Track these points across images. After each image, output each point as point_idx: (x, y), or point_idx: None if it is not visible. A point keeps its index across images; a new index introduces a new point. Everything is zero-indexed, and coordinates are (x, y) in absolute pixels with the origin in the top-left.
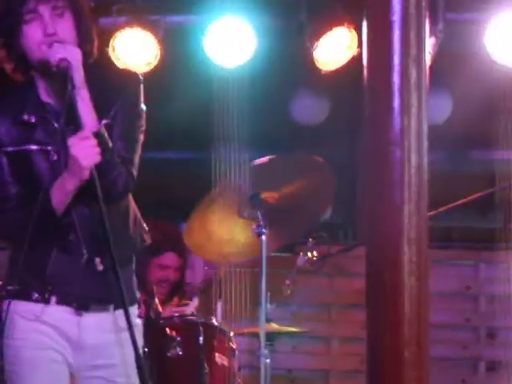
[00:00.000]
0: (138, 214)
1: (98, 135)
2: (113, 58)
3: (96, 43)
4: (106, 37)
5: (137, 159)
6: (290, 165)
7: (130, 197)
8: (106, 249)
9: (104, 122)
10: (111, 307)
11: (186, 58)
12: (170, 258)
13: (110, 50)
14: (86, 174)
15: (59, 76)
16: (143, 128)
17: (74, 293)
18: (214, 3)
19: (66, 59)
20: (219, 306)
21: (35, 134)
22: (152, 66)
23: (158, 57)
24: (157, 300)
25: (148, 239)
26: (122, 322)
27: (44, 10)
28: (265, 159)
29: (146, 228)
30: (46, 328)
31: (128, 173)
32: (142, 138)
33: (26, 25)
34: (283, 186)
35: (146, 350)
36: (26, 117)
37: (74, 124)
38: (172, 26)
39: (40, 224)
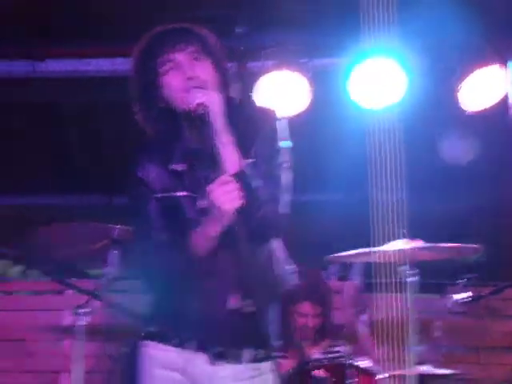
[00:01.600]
0: (284, 254)
1: (239, 177)
2: (259, 101)
3: (236, 86)
4: (253, 80)
5: (284, 197)
6: None
7: None
8: (252, 291)
9: (246, 162)
10: (247, 354)
11: (333, 98)
12: (306, 307)
13: (256, 92)
14: (227, 219)
15: (200, 122)
16: (288, 165)
17: (212, 338)
18: (361, 45)
19: (203, 104)
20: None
21: (183, 180)
22: (301, 108)
23: (308, 98)
24: (304, 343)
25: (295, 279)
26: (254, 372)
27: (180, 57)
28: None
29: (293, 268)
30: (178, 376)
31: (274, 212)
32: (287, 175)
33: (165, 76)
34: None
35: None
36: (175, 165)
37: (217, 169)
38: (320, 68)
39: (182, 269)
